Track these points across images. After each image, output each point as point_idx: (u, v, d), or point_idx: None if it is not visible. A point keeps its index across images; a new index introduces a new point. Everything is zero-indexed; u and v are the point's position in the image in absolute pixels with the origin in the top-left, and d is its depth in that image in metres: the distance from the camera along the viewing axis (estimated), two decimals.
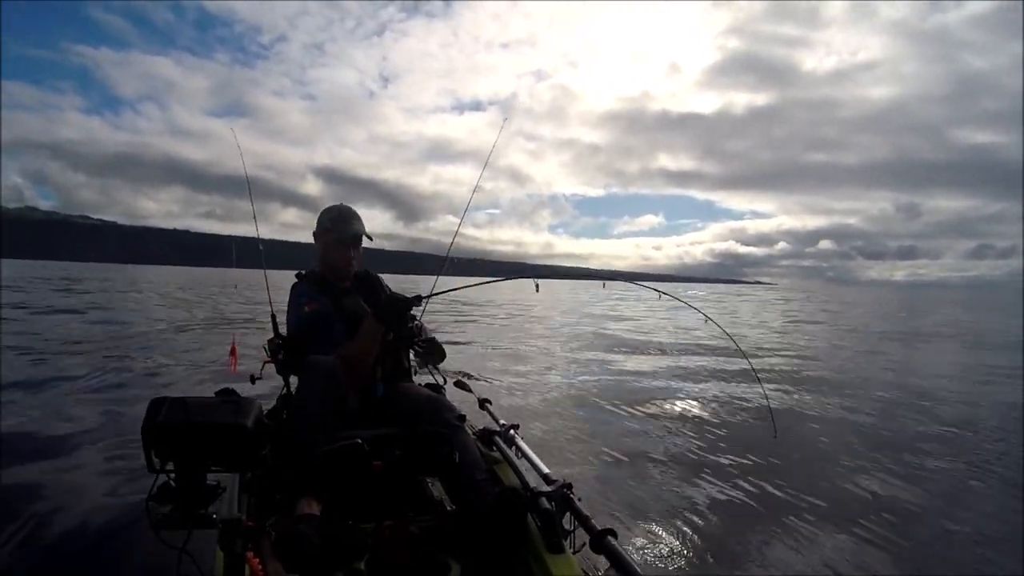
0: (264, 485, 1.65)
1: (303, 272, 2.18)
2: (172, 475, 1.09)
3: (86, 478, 2.90)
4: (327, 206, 2.21)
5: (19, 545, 2.21)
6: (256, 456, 1.17)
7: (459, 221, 2.85)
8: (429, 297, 2.04)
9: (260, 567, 1.20)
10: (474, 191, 2.87)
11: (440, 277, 2.55)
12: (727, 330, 2.42)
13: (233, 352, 2.42)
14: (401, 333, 2.10)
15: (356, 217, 2.18)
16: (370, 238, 2.20)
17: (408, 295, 1.95)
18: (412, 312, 2.07)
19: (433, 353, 2.22)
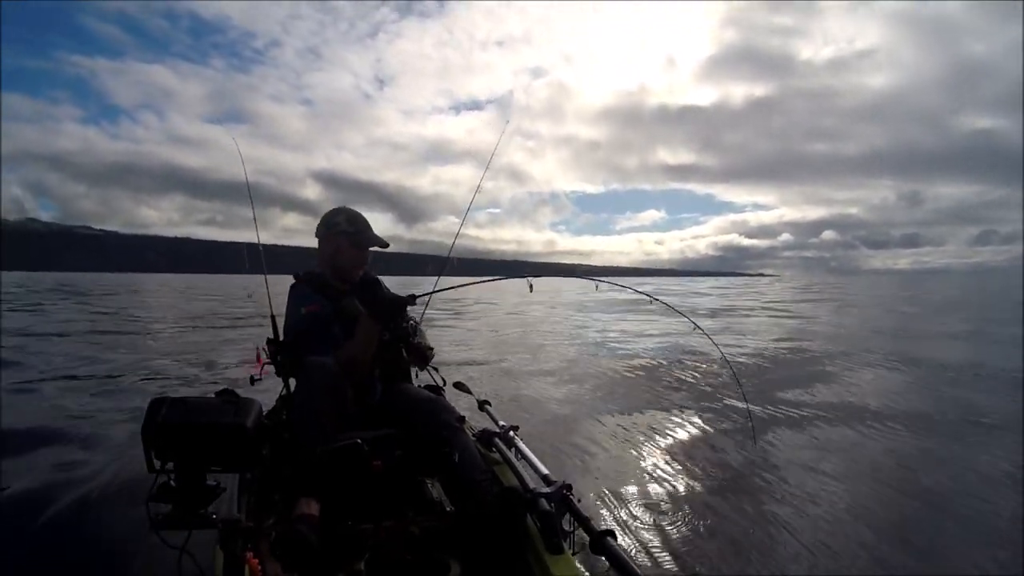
0: (264, 485, 1.65)
1: (301, 273, 2.18)
2: (172, 475, 1.10)
3: (86, 478, 2.90)
4: (334, 208, 2.20)
5: (18, 545, 2.21)
6: (256, 456, 1.17)
7: (460, 222, 2.88)
8: (422, 296, 2.04)
9: (259, 567, 1.21)
10: (476, 191, 2.90)
11: (442, 277, 2.56)
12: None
13: (259, 358, 2.45)
14: (396, 332, 2.11)
15: (369, 224, 2.19)
16: (385, 245, 2.20)
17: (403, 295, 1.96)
18: (408, 311, 2.08)
19: (418, 356, 2.22)
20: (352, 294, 2.15)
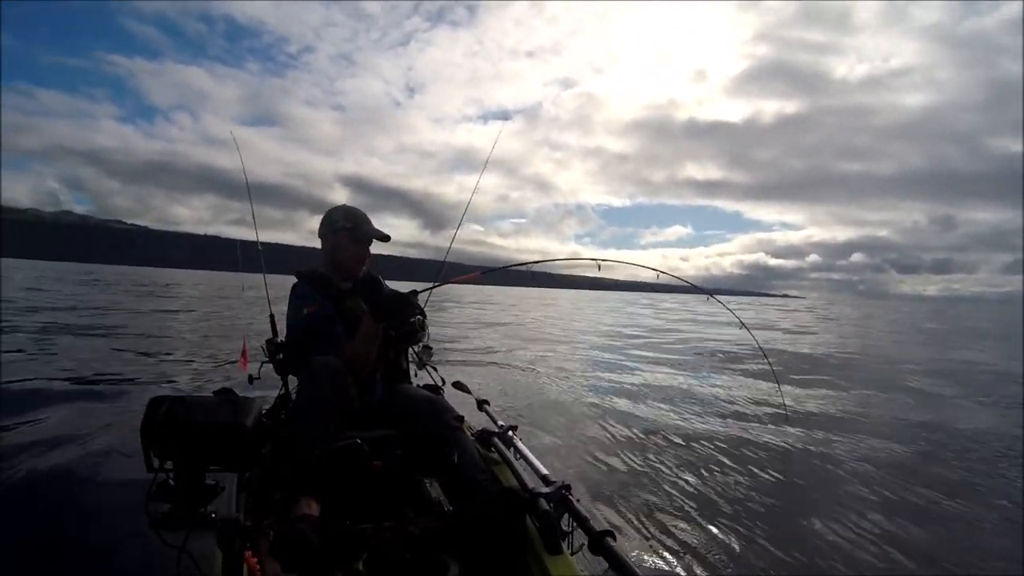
0: (263, 485, 1.65)
1: (302, 271, 2.17)
2: (171, 474, 1.09)
3: (84, 476, 2.89)
4: (333, 206, 2.20)
5: (16, 544, 2.20)
6: (255, 456, 1.17)
7: (458, 224, 2.88)
8: (423, 292, 2.04)
9: (258, 567, 1.20)
10: (473, 191, 2.93)
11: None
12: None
13: (244, 353, 2.45)
14: (399, 330, 2.10)
15: (369, 219, 2.17)
16: (386, 238, 2.18)
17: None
18: (416, 308, 2.07)
19: (414, 333, 2.20)
20: (355, 293, 2.15)
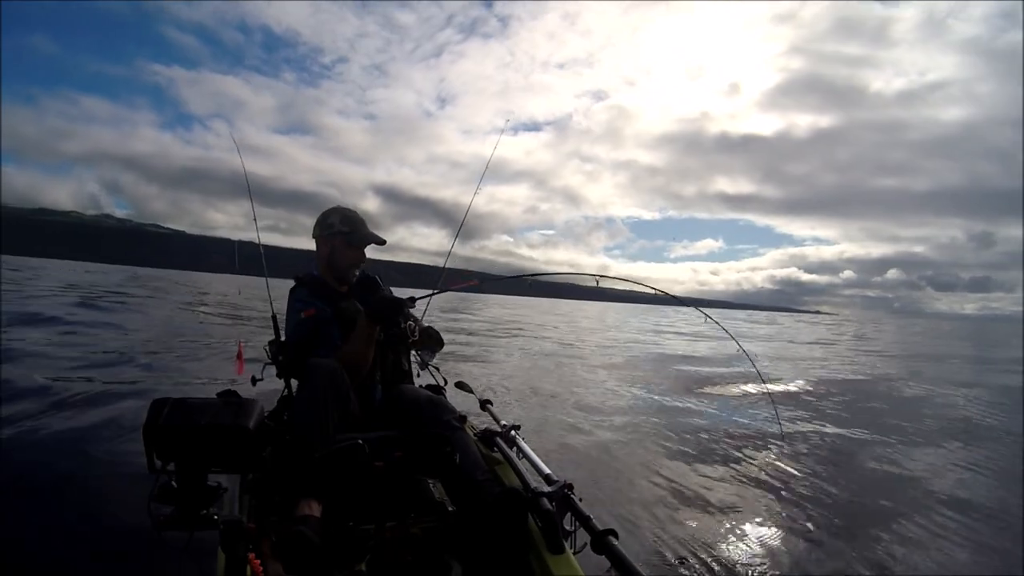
0: (265, 486, 1.65)
1: (300, 276, 2.16)
2: (173, 476, 1.10)
3: (87, 478, 2.90)
4: (328, 208, 2.18)
5: (18, 545, 2.21)
6: (257, 457, 1.17)
7: (457, 231, 2.84)
8: (422, 298, 2.04)
9: (261, 568, 1.20)
10: (474, 194, 2.91)
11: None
12: None
13: (240, 355, 2.44)
14: (393, 332, 2.10)
15: (364, 222, 2.16)
16: (382, 242, 2.18)
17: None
18: (409, 312, 2.07)
19: (431, 339, 2.20)
20: (351, 295, 2.15)
